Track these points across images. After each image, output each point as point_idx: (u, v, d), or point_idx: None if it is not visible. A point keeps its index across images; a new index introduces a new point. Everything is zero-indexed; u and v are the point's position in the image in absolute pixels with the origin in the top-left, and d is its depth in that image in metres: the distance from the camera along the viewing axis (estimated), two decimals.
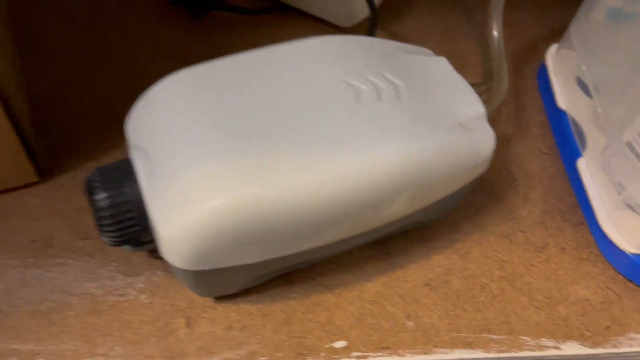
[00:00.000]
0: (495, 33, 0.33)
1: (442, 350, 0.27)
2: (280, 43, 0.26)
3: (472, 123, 0.26)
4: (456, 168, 0.25)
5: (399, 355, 0.26)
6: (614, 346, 0.27)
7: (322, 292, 0.28)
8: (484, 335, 0.27)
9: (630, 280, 0.29)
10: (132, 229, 0.23)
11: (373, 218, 0.24)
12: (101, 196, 0.22)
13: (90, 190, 0.23)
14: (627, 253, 0.29)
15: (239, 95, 0.24)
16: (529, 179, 0.33)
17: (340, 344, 0.26)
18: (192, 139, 0.22)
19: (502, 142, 0.35)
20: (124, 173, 0.23)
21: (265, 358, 0.26)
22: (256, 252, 0.23)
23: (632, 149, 0.28)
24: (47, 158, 0.31)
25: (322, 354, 0.26)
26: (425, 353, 0.26)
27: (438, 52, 0.30)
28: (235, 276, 0.25)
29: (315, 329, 0.27)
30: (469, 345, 0.27)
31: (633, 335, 0.28)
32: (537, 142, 0.35)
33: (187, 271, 0.23)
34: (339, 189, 0.23)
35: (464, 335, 0.27)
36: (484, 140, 0.26)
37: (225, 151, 0.22)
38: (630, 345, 0.27)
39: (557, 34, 0.39)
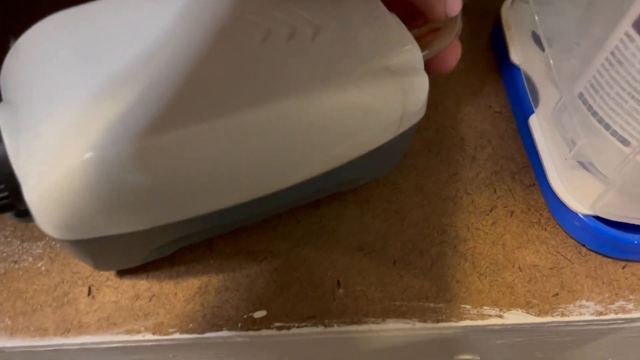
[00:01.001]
0: None
1: (374, 319, 0.24)
2: None
3: (401, 67, 0.23)
4: (380, 116, 0.22)
5: (325, 325, 0.24)
6: (563, 314, 0.25)
7: (245, 259, 0.25)
8: (420, 303, 0.25)
9: (583, 244, 0.27)
10: None
11: (284, 174, 0.22)
12: None
13: None
14: (579, 214, 0.26)
15: (119, 37, 0.20)
16: (478, 139, 0.30)
17: (259, 314, 0.24)
18: (61, 89, 0.19)
19: (452, 101, 0.32)
20: None
21: (175, 329, 0.23)
22: (145, 217, 0.20)
23: (584, 101, 0.26)
24: None
25: (239, 324, 0.23)
26: (355, 323, 0.24)
27: None
28: (129, 246, 0.22)
29: (233, 298, 0.24)
30: (403, 314, 0.24)
31: (584, 302, 0.25)
32: (488, 100, 0.32)
33: (66, 241, 0.20)
34: (238, 138, 0.20)
35: (398, 303, 0.24)
36: (415, 87, 0.23)
37: (98, 99, 0.19)
38: (580, 314, 0.25)
39: None
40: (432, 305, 0.25)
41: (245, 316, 0.24)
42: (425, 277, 0.25)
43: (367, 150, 0.23)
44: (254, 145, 0.20)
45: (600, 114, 0.25)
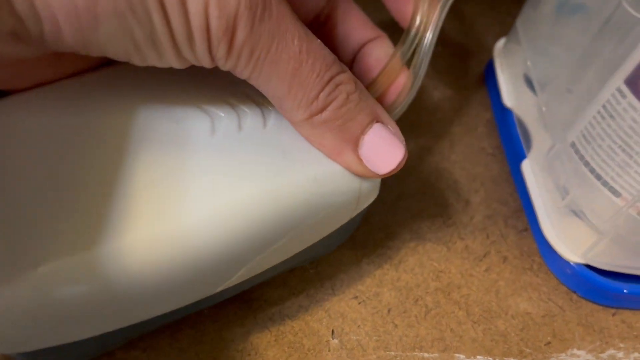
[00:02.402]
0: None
1: None
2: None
3: None
4: (337, 201, 0.21)
5: None
6: None
7: (239, 307, 0.25)
8: (415, 353, 0.25)
9: (574, 292, 0.27)
10: None
11: (233, 274, 0.21)
12: None
13: None
14: (571, 262, 0.27)
15: (60, 127, 0.19)
16: (472, 182, 0.31)
17: None
18: None
19: (446, 141, 0.32)
20: None
21: None
22: (93, 326, 0.19)
23: (577, 151, 0.26)
24: None
25: None
26: None
27: None
28: (81, 350, 0.21)
29: (228, 348, 0.24)
30: None
31: (575, 351, 0.26)
32: (481, 141, 0.33)
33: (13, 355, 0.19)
34: (183, 246, 0.18)
35: (393, 353, 0.25)
36: None
37: (39, 205, 0.18)
38: None
39: (508, 27, 0.37)
40: (426, 355, 0.25)
41: None
42: (420, 325, 0.25)
43: (323, 236, 0.23)
44: (211, 244, 0.19)
45: (592, 164, 0.26)
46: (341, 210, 0.22)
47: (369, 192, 0.22)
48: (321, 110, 0.19)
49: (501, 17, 0.40)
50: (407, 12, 0.23)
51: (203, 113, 0.21)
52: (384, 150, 0.20)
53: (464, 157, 0.32)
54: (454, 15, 0.39)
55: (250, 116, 0.21)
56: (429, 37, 0.22)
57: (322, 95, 0.19)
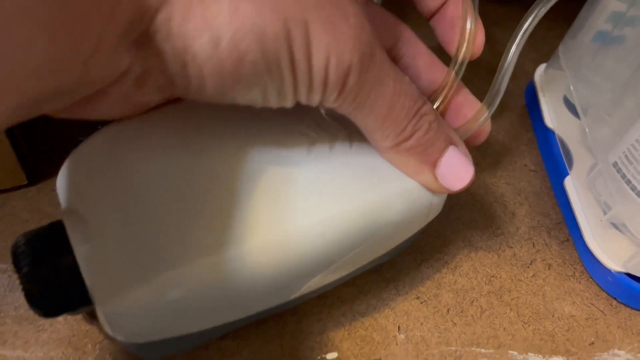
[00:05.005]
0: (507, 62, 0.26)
1: None
2: None
3: None
4: (413, 216, 0.24)
5: None
6: None
7: (315, 304, 0.28)
8: (472, 349, 0.27)
9: (614, 298, 0.30)
10: (65, 302, 0.20)
11: (324, 277, 0.24)
12: (27, 269, 0.19)
13: (16, 261, 0.19)
14: (612, 271, 0.29)
15: (182, 149, 0.21)
16: (517, 196, 0.34)
17: (332, 356, 0.26)
18: (132, 200, 0.20)
19: (492, 159, 0.35)
20: (55, 239, 0.19)
21: None
22: (213, 319, 0.22)
23: (619, 170, 0.29)
24: (37, 160, 0.31)
25: None
26: None
27: None
28: (188, 341, 0.23)
29: (308, 340, 0.27)
30: (458, 358, 0.27)
31: (616, 351, 0.28)
32: (524, 159, 0.36)
33: (132, 344, 0.21)
34: (290, 253, 0.21)
35: (454, 348, 0.27)
36: None
37: (167, 216, 0.20)
38: None
39: (543, 53, 0.40)
40: (483, 350, 0.27)
41: (319, 357, 0.26)
42: (476, 324, 0.28)
43: (396, 245, 0.26)
44: (304, 256, 0.22)
45: (634, 182, 0.29)
46: (416, 221, 0.25)
47: (438, 206, 0.25)
48: (407, 139, 0.22)
49: (537, 43, 0.43)
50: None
51: (301, 135, 0.23)
52: (458, 170, 0.23)
53: (508, 173, 0.35)
54: (493, 42, 0.42)
55: (338, 137, 0.23)
56: (503, 78, 0.25)
57: (409, 126, 0.21)
